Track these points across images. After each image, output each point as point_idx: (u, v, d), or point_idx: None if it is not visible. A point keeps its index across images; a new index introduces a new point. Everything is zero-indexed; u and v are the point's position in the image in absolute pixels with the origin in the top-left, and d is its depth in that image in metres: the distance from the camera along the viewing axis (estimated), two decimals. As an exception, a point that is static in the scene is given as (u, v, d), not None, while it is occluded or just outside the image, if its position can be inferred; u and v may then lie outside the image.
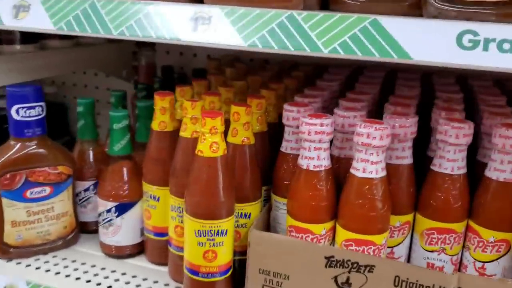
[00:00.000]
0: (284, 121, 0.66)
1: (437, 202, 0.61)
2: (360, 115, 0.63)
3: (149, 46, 1.08)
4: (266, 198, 0.71)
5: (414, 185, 0.64)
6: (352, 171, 0.58)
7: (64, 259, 0.75)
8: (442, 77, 0.92)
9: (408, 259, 0.67)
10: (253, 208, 0.67)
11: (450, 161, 0.60)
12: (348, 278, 0.59)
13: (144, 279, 0.71)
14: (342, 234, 0.60)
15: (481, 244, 0.61)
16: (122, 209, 0.73)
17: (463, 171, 0.61)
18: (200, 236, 0.60)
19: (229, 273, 0.64)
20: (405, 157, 0.63)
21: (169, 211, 0.68)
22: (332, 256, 0.58)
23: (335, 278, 0.59)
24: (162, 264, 0.73)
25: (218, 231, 0.60)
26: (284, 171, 0.66)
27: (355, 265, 0.58)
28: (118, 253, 0.75)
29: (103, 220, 0.74)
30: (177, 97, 0.73)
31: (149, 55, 1.07)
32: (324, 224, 0.61)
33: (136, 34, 0.57)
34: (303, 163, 0.60)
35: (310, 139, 0.58)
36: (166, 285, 0.70)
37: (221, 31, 0.55)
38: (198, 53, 1.17)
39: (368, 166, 0.57)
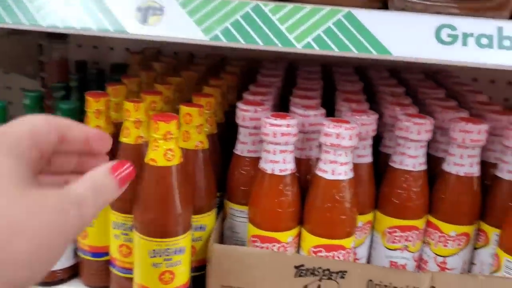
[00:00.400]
0: (239, 121, 0.60)
1: (399, 200, 0.60)
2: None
3: (60, 38, 0.95)
4: (218, 205, 0.66)
5: (374, 183, 0.62)
6: (319, 173, 0.55)
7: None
8: (341, 67, 0.92)
9: (368, 259, 0.65)
10: (209, 219, 0.61)
11: (411, 157, 0.59)
12: (319, 286, 0.55)
13: (84, 308, 0.62)
14: (310, 240, 0.56)
15: (442, 239, 0.61)
16: (51, 229, 0.63)
17: (424, 167, 0.60)
18: (156, 256, 0.53)
19: None
20: (366, 156, 0.61)
21: (110, 228, 0.60)
22: (302, 265, 0.55)
23: (305, 287, 0.55)
24: (102, 287, 0.64)
25: (176, 249, 0.53)
26: (241, 176, 0.61)
27: (326, 272, 0.55)
28: (48, 279, 0.65)
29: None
30: (110, 97, 0.64)
31: (61, 49, 0.94)
32: (291, 231, 0.57)
33: (71, 26, 0.48)
34: (267, 167, 0.55)
35: (276, 141, 0.54)
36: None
37: (177, 23, 0.48)
38: (115, 46, 1.06)
39: (337, 168, 0.54)
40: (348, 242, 0.56)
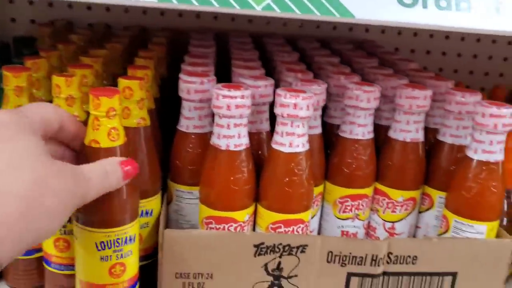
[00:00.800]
0: (183, 94, 0.55)
1: (350, 169, 0.60)
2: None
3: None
4: (162, 188, 0.61)
5: (324, 155, 0.61)
6: (275, 146, 0.52)
7: None
8: (273, 38, 0.90)
9: (319, 230, 0.64)
10: (155, 203, 0.56)
11: (361, 126, 0.59)
12: (279, 263, 0.53)
13: (15, 314, 0.54)
14: (268, 217, 0.54)
15: (390, 205, 0.62)
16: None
17: (372, 135, 0.60)
18: (104, 248, 0.47)
19: (138, 285, 0.52)
20: (317, 126, 0.59)
21: (42, 221, 0.53)
22: (262, 243, 0.52)
23: (265, 265, 0.53)
24: (33, 288, 0.57)
25: (125, 238, 0.48)
26: (187, 155, 0.57)
27: (286, 248, 0.53)
28: (-34, 286, 0.56)
29: None
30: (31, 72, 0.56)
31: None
32: (247, 209, 0.54)
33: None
34: (221, 143, 0.51)
35: (230, 114, 0.50)
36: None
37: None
38: (17, 17, 0.94)
39: (295, 140, 0.51)
40: (306, 216, 0.54)
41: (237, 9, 0.43)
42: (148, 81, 0.57)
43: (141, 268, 0.56)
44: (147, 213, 0.55)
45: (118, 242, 0.47)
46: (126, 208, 0.47)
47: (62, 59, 0.66)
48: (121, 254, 0.48)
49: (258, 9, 0.43)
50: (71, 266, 0.52)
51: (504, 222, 0.64)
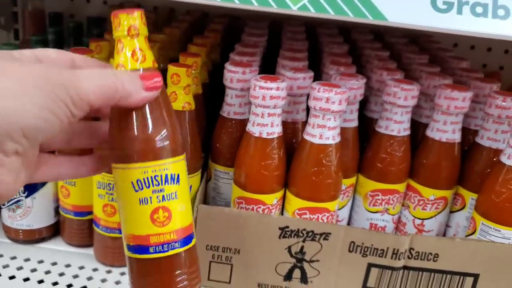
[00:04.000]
0: (227, 83, 0.59)
1: (383, 164, 0.61)
2: (309, 75, 0.59)
3: (34, -12, 0.91)
4: (202, 166, 0.66)
5: (359, 147, 0.63)
6: (307, 137, 0.55)
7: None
8: (325, 28, 0.91)
9: (349, 221, 0.67)
10: (194, 180, 0.60)
11: (397, 123, 0.60)
12: (302, 247, 0.56)
13: (67, 266, 0.61)
14: (295, 203, 0.57)
15: (421, 202, 0.63)
16: (32, 188, 0.61)
17: (408, 132, 0.61)
18: (142, 188, 0.40)
19: (193, 241, 0.42)
20: (353, 120, 0.61)
21: (95, 188, 0.59)
22: (287, 226, 0.56)
23: (289, 248, 0.57)
24: (84, 246, 0.64)
25: (166, 175, 0.40)
26: (227, 138, 0.61)
27: (310, 233, 0.56)
28: (29, 237, 0.64)
29: (9, 201, 0.62)
30: (94, 54, 0.62)
31: (36, 0, 0.90)
32: (276, 193, 0.57)
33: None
34: (255, 130, 0.55)
35: (264, 104, 0.53)
36: (95, 270, 0.61)
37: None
38: (91, -2, 1.02)
39: (325, 132, 0.54)
40: (332, 205, 0.57)
41: (274, 8, 0.46)
42: (197, 68, 0.62)
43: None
44: (186, 189, 0.60)
45: (157, 180, 0.40)
46: (163, 136, 0.39)
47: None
48: (163, 196, 0.40)
49: (294, 9, 0.46)
50: (117, 230, 0.59)
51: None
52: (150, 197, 0.40)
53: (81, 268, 0.61)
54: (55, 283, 0.58)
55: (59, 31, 0.85)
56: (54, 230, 0.66)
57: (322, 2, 0.45)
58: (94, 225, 0.61)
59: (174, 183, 0.40)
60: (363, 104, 0.68)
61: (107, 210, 0.59)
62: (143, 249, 0.41)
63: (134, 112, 0.39)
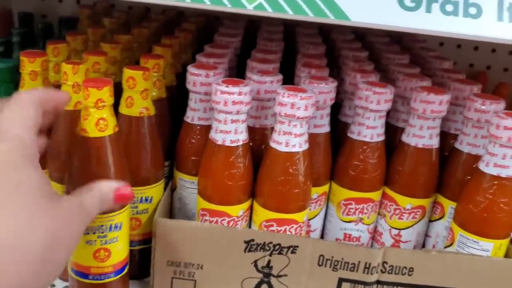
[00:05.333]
0: (190, 86, 0.56)
1: (356, 172, 0.58)
2: (277, 79, 0.56)
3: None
4: (167, 175, 0.62)
5: (331, 154, 0.60)
6: (273, 144, 0.52)
7: None
8: (305, 28, 0.87)
9: (322, 231, 0.64)
10: (156, 191, 0.57)
11: (370, 128, 0.57)
12: (269, 261, 0.53)
13: None
14: (262, 214, 0.54)
15: (397, 211, 0.60)
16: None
17: (382, 138, 0.58)
18: (89, 233, 0.49)
19: (125, 270, 0.53)
20: (324, 125, 0.58)
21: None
22: (253, 240, 0.52)
23: (255, 262, 0.53)
24: None
25: (111, 225, 0.49)
26: (191, 145, 0.57)
27: (277, 247, 0.52)
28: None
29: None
30: (50, 57, 0.58)
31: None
32: (242, 204, 0.54)
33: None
34: (217, 137, 0.52)
35: (227, 110, 0.50)
36: (52, 286, 0.58)
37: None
38: (63, -3, 0.98)
39: (291, 139, 0.51)
40: (301, 216, 0.54)
41: (228, 7, 0.42)
42: (160, 70, 0.58)
43: (140, 251, 0.59)
44: (146, 199, 0.57)
45: (102, 229, 0.49)
46: None
47: (89, 43, 0.69)
48: (106, 241, 0.49)
49: (249, 8, 0.42)
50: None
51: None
52: (95, 241, 0.49)
53: None
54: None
55: (26, 33, 0.81)
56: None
57: (280, 0, 0.42)
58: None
59: (117, 230, 0.50)
60: (338, 108, 0.65)
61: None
62: (84, 275, 0.51)
63: (88, 172, 0.47)
